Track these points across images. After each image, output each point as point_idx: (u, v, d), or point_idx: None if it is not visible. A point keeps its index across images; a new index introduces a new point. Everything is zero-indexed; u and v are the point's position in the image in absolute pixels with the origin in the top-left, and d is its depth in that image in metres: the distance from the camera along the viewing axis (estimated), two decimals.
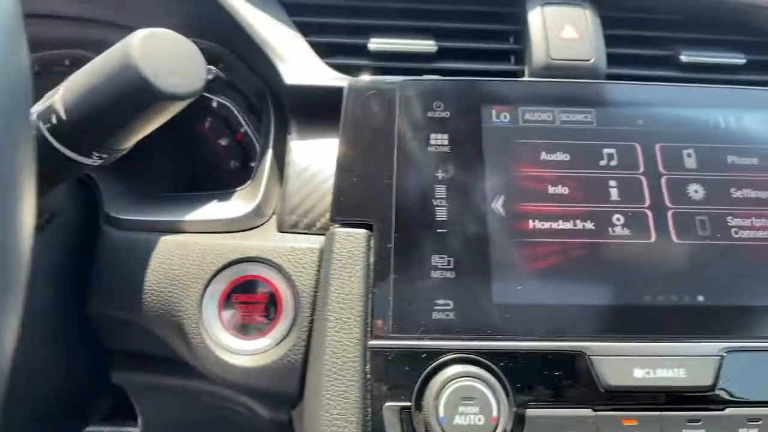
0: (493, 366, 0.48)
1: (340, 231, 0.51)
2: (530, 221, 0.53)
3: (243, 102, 0.77)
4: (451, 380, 0.46)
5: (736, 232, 0.54)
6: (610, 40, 0.67)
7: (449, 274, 0.50)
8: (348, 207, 0.53)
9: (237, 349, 0.53)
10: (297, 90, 0.61)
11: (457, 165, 0.54)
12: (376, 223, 0.52)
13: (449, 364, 0.47)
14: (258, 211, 0.59)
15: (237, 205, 0.60)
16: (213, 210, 0.60)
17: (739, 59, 0.69)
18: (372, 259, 0.51)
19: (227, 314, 0.54)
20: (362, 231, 0.52)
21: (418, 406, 0.47)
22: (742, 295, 0.52)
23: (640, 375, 0.48)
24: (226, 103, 0.81)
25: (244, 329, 0.54)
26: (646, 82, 0.63)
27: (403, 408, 0.47)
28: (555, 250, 0.52)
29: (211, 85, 0.72)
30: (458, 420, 0.44)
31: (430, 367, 0.47)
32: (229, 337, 0.53)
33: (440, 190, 0.53)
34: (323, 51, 0.65)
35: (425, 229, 0.52)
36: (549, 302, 0.50)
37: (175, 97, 0.45)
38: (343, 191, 0.53)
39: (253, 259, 0.54)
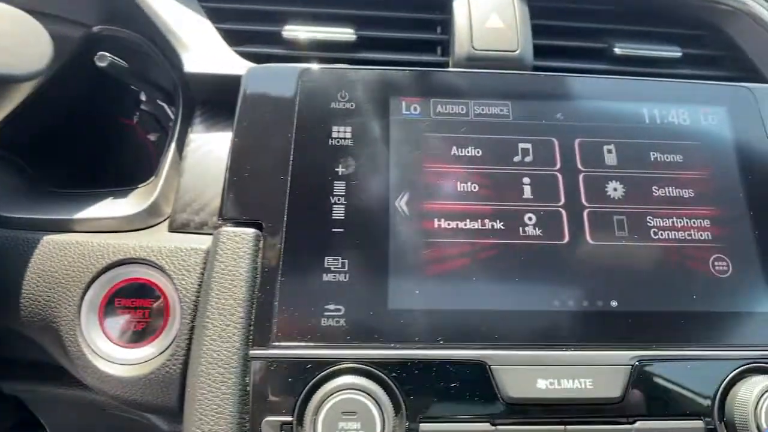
0: (384, 377, 0.44)
1: (226, 230, 0.48)
2: (436, 220, 0.49)
3: (163, 94, 0.73)
4: (333, 393, 0.42)
5: (655, 233, 0.51)
6: (538, 31, 0.64)
7: (342, 277, 0.47)
8: (238, 204, 0.49)
9: (117, 359, 0.49)
10: (197, 79, 0.57)
11: (359, 160, 0.50)
12: (266, 222, 0.48)
13: (336, 375, 0.44)
14: (153, 210, 0.54)
15: (132, 202, 0.56)
16: (105, 208, 0.55)
17: (675, 53, 0.66)
18: (260, 261, 0.47)
19: (109, 321, 0.50)
20: (251, 230, 0.48)
21: (300, 421, 0.43)
22: (659, 299, 0.49)
23: (544, 386, 0.45)
24: (152, 96, 0.77)
25: (129, 337, 0.50)
26: (576, 74, 0.59)
27: (284, 423, 0.43)
28: (460, 252, 0.49)
29: (134, 77, 0.67)
30: None
31: (315, 379, 0.44)
32: (110, 346, 0.49)
33: (339, 187, 0.49)
34: (235, 39, 0.62)
35: (319, 229, 0.48)
36: (449, 307, 0.47)
37: (5, 79, 0.41)
38: (234, 188, 0.49)
39: (137, 261, 0.50)
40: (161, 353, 0.48)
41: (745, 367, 0.47)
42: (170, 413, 0.49)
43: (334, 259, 0.47)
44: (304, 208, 0.48)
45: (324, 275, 0.46)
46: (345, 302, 0.46)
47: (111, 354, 0.49)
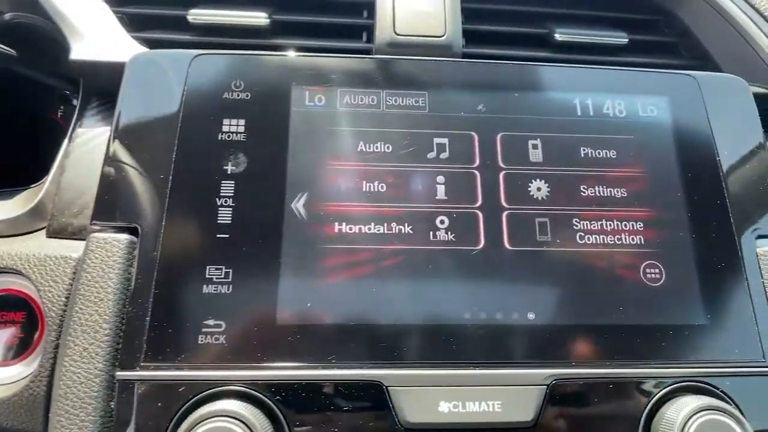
0: (267, 400, 0.39)
1: (96, 237, 0.43)
2: (336, 224, 0.45)
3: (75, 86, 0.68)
4: (203, 421, 0.37)
5: (582, 237, 0.46)
6: (470, 15, 0.59)
7: (225, 289, 0.42)
8: (111, 207, 0.44)
9: None
10: (85, 68, 0.52)
11: (253, 156, 0.45)
12: (142, 226, 0.43)
13: (211, 399, 0.39)
14: (36, 213, 0.49)
15: (17, 204, 0.51)
16: None
17: (621, 39, 0.61)
18: (134, 271, 0.42)
19: None
20: (124, 236, 0.43)
21: None
22: (581, 311, 0.44)
23: (446, 409, 0.40)
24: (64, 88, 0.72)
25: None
26: (504, 62, 0.54)
27: None
28: (361, 260, 0.44)
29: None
30: None
31: (187, 404, 0.39)
32: None
33: (227, 187, 0.44)
34: (138, 24, 0.56)
35: (202, 234, 0.43)
36: (345, 322, 0.42)
37: None
38: (108, 188, 0.44)
39: (5, 270, 0.45)
40: (28, 375, 0.44)
41: (675, 386, 0.42)
42: None
43: (217, 269, 0.42)
44: (186, 210, 0.43)
45: (204, 287, 0.42)
46: (226, 317, 0.41)
47: None
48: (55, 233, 0.47)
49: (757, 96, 0.55)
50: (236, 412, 0.38)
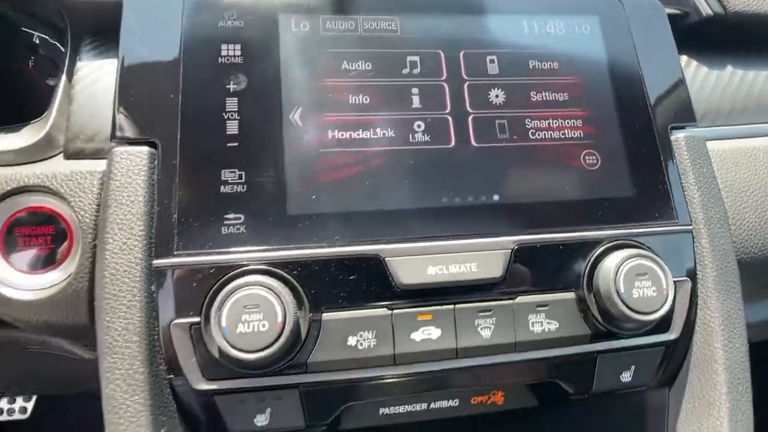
0: (286, 275, 0.47)
1: (119, 150, 0.48)
2: (329, 132, 0.52)
3: (54, 32, 0.70)
4: (235, 291, 0.45)
5: (533, 134, 0.56)
6: None
7: (240, 188, 0.49)
8: (130, 124, 0.49)
9: (22, 285, 0.49)
10: (79, 6, 0.55)
11: (251, 76, 0.52)
12: (160, 140, 0.49)
13: (239, 276, 0.46)
14: (47, 141, 0.54)
15: (25, 136, 0.55)
16: None
17: None
18: (156, 178, 0.48)
19: (10, 250, 0.50)
20: (145, 149, 0.48)
21: (207, 320, 0.46)
22: (536, 192, 0.54)
23: (433, 272, 0.50)
24: (49, 39, 0.74)
25: (32, 264, 0.50)
26: None
27: (192, 324, 0.46)
28: (353, 160, 0.51)
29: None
30: (241, 328, 0.44)
31: (219, 282, 0.46)
32: (14, 273, 0.49)
33: (231, 103, 0.51)
34: None
35: (214, 144, 0.49)
36: (345, 210, 0.50)
37: None
38: (125, 108, 0.49)
39: (32, 189, 0.49)
40: (68, 276, 0.49)
41: (609, 244, 0.53)
42: (80, 332, 0.50)
43: (231, 172, 0.49)
44: (198, 124, 0.49)
45: (222, 187, 0.48)
46: (244, 211, 0.48)
47: (16, 281, 0.49)
48: (72, 156, 0.52)
49: (670, 15, 0.66)
50: (263, 281, 0.45)
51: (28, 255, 0.50)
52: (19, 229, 0.50)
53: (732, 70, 0.71)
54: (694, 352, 0.56)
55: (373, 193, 0.51)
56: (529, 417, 0.69)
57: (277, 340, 0.44)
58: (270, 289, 0.45)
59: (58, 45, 0.72)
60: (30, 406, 1.20)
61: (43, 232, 0.50)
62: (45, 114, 0.58)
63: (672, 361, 0.56)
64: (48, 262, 0.50)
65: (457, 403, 0.57)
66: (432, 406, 0.56)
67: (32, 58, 0.78)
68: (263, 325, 0.44)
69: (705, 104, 0.67)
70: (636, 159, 0.57)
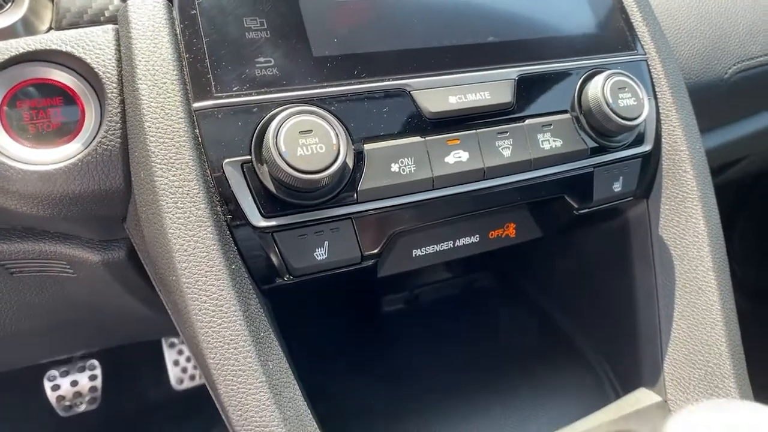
0: (326, 108, 0.49)
1: (134, 1, 0.46)
2: None
3: None
4: (287, 119, 0.45)
5: None
6: None
7: (264, 35, 0.49)
8: None
9: (40, 160, 0.46)
10: None
11: None
12: None
13: (282, 111, 0.47)
14: (26, 24, 0.50)
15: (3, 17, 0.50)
16: None
17: None
18: (178, 28, 0.47)
19: (15, 124, 0.46)
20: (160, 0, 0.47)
21: (258, 158, 0.46)
22: (529, 29, 0.60)
23: (455, 101, 0.54)
24: None
25: (45, 138, 0.46)
26: None
27: (244, 162, 0.46)
28: (367, 6, 0.54)
29: None
30: (301, 152, 0.45)
31: (264, 119, 0.47)
32: (28, 150, 0.46)
33: None
34: None
35: None
36: (366, 50, 0.52)
37: None
38: None
39: (30, 59, 0.46)
40: (87, 146, 0.46)
41: (591, 71, 0.61)
42: (118, 198, 0.48)
43: (252, 20, 0.49)
44: None
45: (247, 33, 0.49)
46: (272, 55, 0.49)
47: (31, 158, 0.45)
48: (69, 27, 0.48)
49: None
50: (311, 110, 0.47)
51: (34, 129, 0.46)
52: (20, 102, 0.46)
53: None
54: (665, 161, 0.66)
55: (391, 35, 0.54)
56: (537, 244, 0.73)
57: (335, 160, 0.46)
58: (321, 117, 0.46)
59: None
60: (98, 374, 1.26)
61: (51, 104, 0.47)
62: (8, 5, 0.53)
63: (649, 170, 0.65)
64: (61, 135, 0.47)
65: (478, 239, 0.62)
66: (457, 243, 0.61)
67: None
68: (320, 147, 0.45)
69: None
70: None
